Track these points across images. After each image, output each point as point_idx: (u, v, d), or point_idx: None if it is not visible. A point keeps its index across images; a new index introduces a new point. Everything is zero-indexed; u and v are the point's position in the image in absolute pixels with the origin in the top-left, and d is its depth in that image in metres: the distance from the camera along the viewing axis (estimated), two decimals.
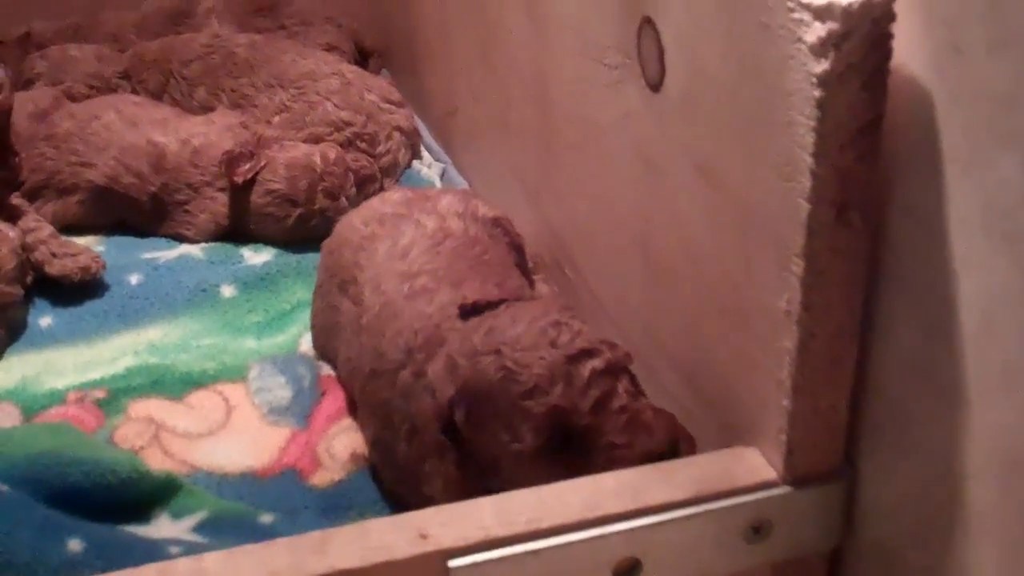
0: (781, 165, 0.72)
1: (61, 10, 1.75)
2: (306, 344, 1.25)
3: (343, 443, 1.09)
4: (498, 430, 0.86)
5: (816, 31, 0.67)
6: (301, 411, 1.15)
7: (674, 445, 0.84)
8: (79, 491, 0.98)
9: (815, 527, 0.81)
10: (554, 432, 0.84)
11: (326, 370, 1.19)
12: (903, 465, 0.76)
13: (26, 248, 1.29)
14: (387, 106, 1.56)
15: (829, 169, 0.70)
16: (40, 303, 1.32)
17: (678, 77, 0.86)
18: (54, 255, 1.30)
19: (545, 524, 0.76)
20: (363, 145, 1.52)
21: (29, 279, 1.29)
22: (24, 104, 1.50)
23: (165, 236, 1.46)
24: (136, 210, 1.46)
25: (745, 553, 0.80)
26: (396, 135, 1.54)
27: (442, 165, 1.57)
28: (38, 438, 1.02)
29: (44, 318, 1.30)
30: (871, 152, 0.70)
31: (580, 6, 1.02)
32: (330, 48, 1.73)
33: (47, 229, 1.32)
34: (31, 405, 1.16)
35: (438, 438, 0.90)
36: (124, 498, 0.99)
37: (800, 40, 0.68)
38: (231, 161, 1.40)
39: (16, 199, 1.38)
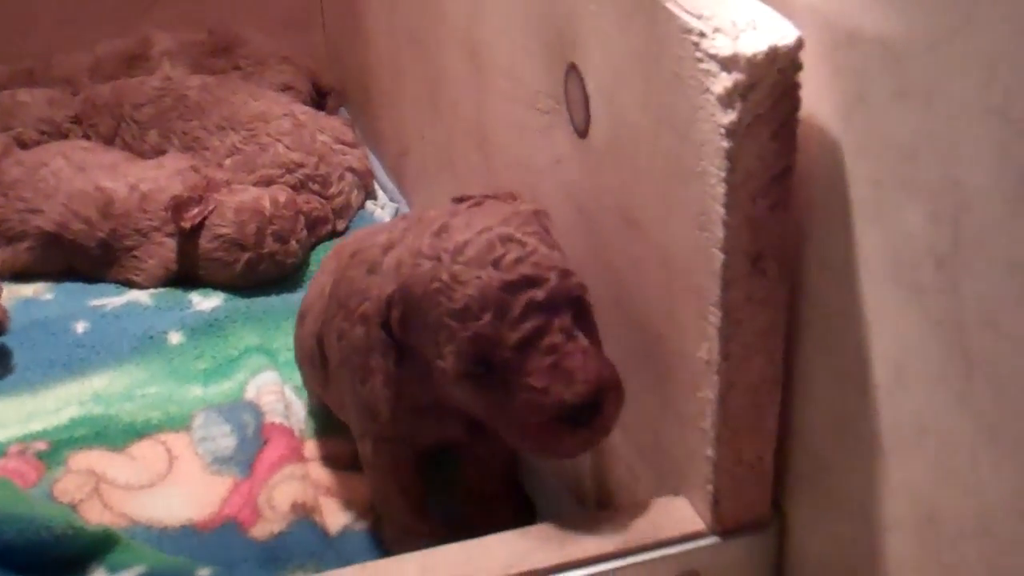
0: (696, 215, 0.72)
1: (15, 54, 1.75)
2: (252, 391, 1.24)
3: (284, 492, 1.08)
4: (426, 341, 0.83)
5: (722, 81, 0.66)
6: (245, 460, 1.14)
7: (596, 396, 0.78)
8: (13, 549, 0.97)
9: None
10: (476, 359, 0.80)
11: (270, 417, 1.18)
12: (827, 516, 0.75)
13: None
14: (339, 147, 1.56)
15: (741, 219, 0.69)
16: None
17: (602, 124, 0.85)
18: None
19: None
20: (315, 187, 1.51)
21: None
22: None
23: (115, 282, 1.45)
24: (85, 256, 1.45)
25: None
26: (348, 176, 1.54)
27: (395, 205, 1.57)
28: None
29: None
30: (783, 202, 0.70)
31: (513, 51, 1.02)
32: (286, 88, 1.73)
33: None
34: None
35: (378, 332, 0.87)
36: (60, 555, 0.98)
37: (708, 91, 0.68)
38: (178, 206, 1.40)
39: None
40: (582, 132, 0.89)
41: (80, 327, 1.34)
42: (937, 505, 0.63)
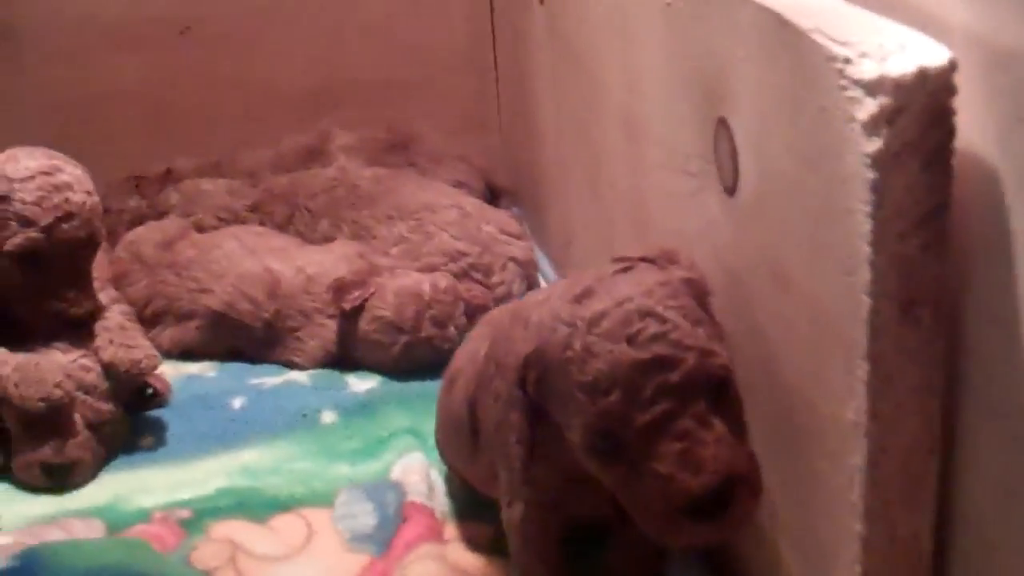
0: (843, 258, 0.66)
1: (203, 150, 1.82)
2: (398, 471, 1.21)
3: (417, 571, 1.04)
4: (558, 408, 0.80)
5: (867, 107, 0.61)
6: (383, 538, 1.11)
7: (726, 488, 0.73)
8: None
9: None
10: (604, 435, 0.76)
11: (412, 497, 1.15)
12: None
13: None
14: (504, 237, 1.55)
15: (889, 260, 0.63)
16: (142, 423, 1.32)
17: (750, 177, 0.81)
18: (111, 343, 1.28)
19: None
20: (478, 275, 1.50)
21: (127, 396, 1.30)
22: (152, 233, 1.55)
23: (277, 363, 1.46)
24: (250, 337, 1.47)
25: None
26: (511, 265, 1.53)
27: None
28: (105, 552, 1.00)
29: (145, 438, 1.30)
30: (937, 242, 0.63)
31: (666, 118, 0.99)
32: (459, 185, 1.75)
33: (117, 319, 1.31)
34: (116, 522, 1.15)
35: (516, 389, 0.83)
36: None
37: (853, 119, 0.63)
38: (340, 288, 1.41)
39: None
40: (731, 189, 0.85)
41: (237, 403, 1.35)
42: None
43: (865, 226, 0.63)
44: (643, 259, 0.84)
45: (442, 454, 1.16)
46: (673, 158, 0.97)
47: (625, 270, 0.83)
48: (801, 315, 0.74)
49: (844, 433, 0.69)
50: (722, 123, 0.84)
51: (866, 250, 0.63)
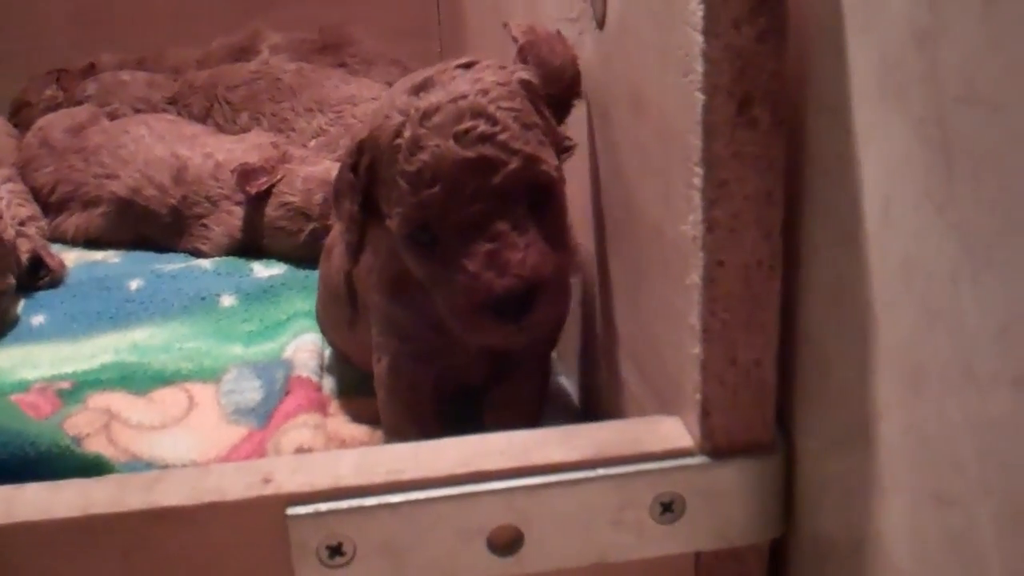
0: (682, 57, 0.62)
1: (131, 46, 1.78)
2: (290, 351, 1.17)
3: (292, 439, 1.00)
4: (382, 195, 0.80)
5: None
6: (265, 412, 1.08)
7: (528, 291, 0.75)
8: None
9: (741, 511, 0.68)
10: (421, 227, 0.77)
11: (298, 371, 1.11)
12: (828, 426, 0.63)
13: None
14: None
15: (723, 50, 0.59)
16: (35, 303, 1.29)
17: (615, 3, 0.77)
18: None
19: (407, 476, 0.66)
20: None
21: (19, 270, 1.26)
22: (62, 119, 1.51)
23: (183, 251, 1.42)
24: (156, 224, 1.43)
25: (655, 535, 0.67)
26: None
27: None
28: None
29: (36, 316, 1.27)
30: (774, 30, 0.59)
31: None
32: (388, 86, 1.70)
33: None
34: None
35: (348, 173, 0.83)
36: (43, 474, 0.92)
37: None
38: (246, 173, 1.37)
39: None
40: (600, 21, 0.80)
41: (135, 284, 1.32)
42: (921, 363, 0.50)
43: (697, 14, 0.59)
44: (515, 41, 0.84)
45: (323, 331, 1.13)
46: (562, 7, 0.93)
47: (468, 66, 0.81)
48: (653, 137, 0.71)
49: (684, 250, 0.65)
50: None
51: (699, 40, 0.59)
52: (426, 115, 0.76)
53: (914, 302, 0.51)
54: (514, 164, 0.76)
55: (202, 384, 1.13)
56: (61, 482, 0.68)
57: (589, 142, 0.88)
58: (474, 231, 0.75)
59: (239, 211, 1.39)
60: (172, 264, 1.38)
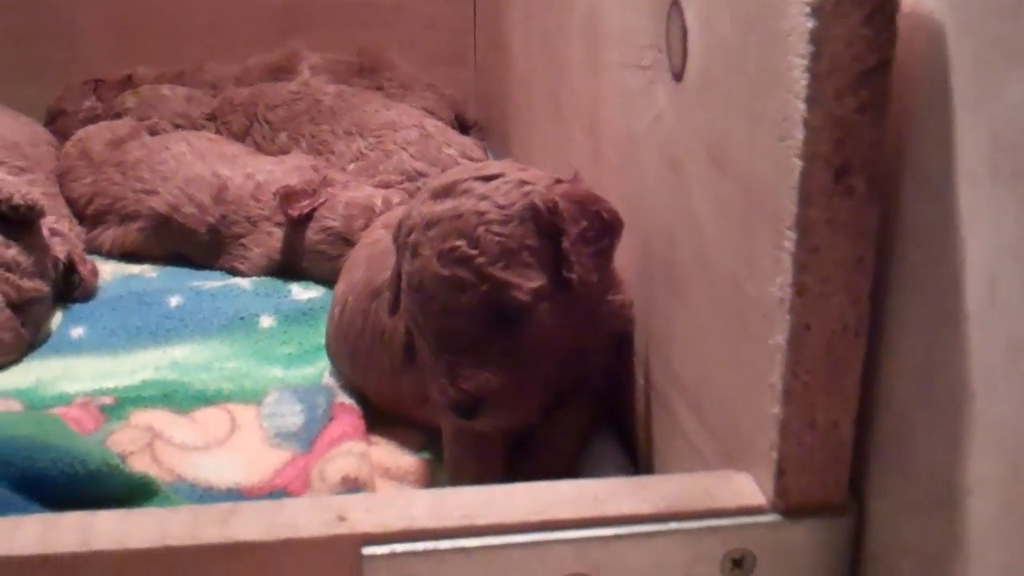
0: (778, 122, 0.63)
1: (168, 61, 1.78)
2: (329, 376, 1.18)
3: (337, 466, 1.00)
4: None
5: None
6: (308, 437, 1.08)
7: (475, 403, 0.85)
8: (45, 478, 0.92)
9: (811, 571, 0.68)
10: (408, 325, 0.94)
11: (341, 397, 1.12)
12: (908, 491, 0.63)
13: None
14: (465, 161, 1.51)
15: (824, 119, 0.60)
16: (74, 315, 1.29)
17: (696, 56, 0.77)
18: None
19: (481, 521, 0.66)
20: None
21: (55, 275, 1.26)
22: (102, 131, 1.51)
23: (220, 270, 1.42)
24: (194, 242, 1.43)
25: None
26: None
27: None
28: (18, 424, 0.96)
29: (76, 329, 1.27)
30: (875, 103, 0.60)
31: (624, 13, 0.95)
32: (427, 113, 1.71)
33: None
34: (35, 404, 1.12)
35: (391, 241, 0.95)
36: (92, 492, 0.93)
37: None
38: (288, 195, 1.37)
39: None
40: (678, 74, 0.81)
41: (174, 301, 1.32)
42: None
43: (801, 82, 0.60)
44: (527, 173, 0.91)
45: (339, 364, 1.15)
46: (628, 53, 0.94)
47: (489, 178, 0.88)
48: (736, 195, 0.71)
49: (769, 312, 0.66)
50: (675, 4, 0.81)
51: (800, 108, 0.60)
52: (428, 225, 0.86)
53: (1019, 384, 0.51)
54: (483, 288, 0.84)
55: (243, 406, 1.13)
56: (135, 511, 0.68)
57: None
58: (444, 340, 0.86)
59: (279, 232, 1.39)
60: (210, 282, 1.38)
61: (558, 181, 0.90)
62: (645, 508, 0.67)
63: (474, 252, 0.84)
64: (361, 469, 1.00)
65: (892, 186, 0.63)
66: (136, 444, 1.05)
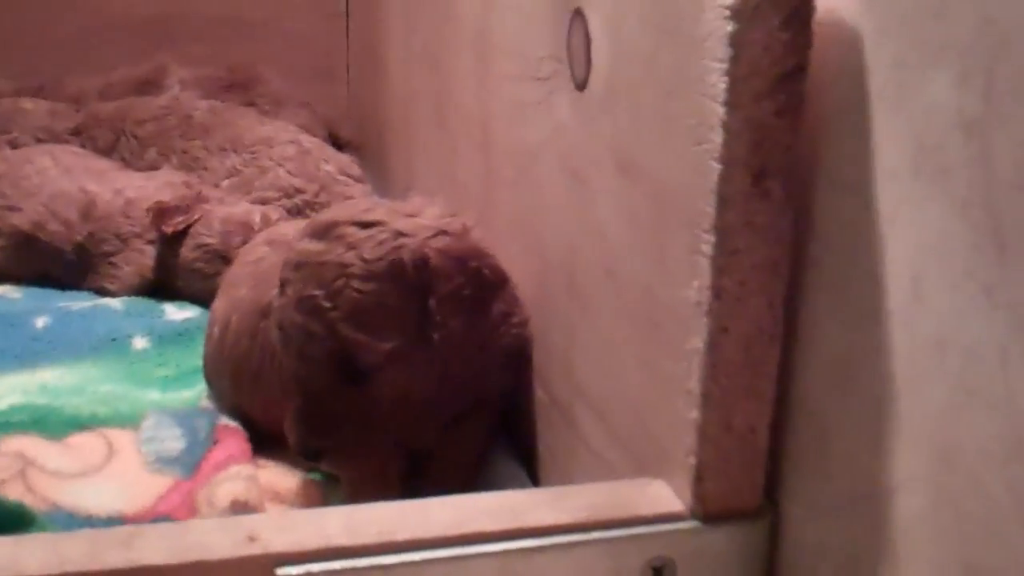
0: (694, 127, 0.63)
1: (28, 72, 1.71)
2: (206, 399, 1.13)
3: (225, 490, 0.96)
4: None
5: None
6: (190, 461, 1.03)
7: (311, 451, 0.88)
8: None
9: (729, 574, 0.68)
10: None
11: (224, 420, 1.08)
12: (827, 493, 0.64)
13: None
14: (344, 178, 1.49)
15: (743, 123, 0.61)
16: None
17: (602, 64, 0.77)
18: None
19: (400, 537, 0.64)
20: (313, 215, 1.43)
21: None
22: None
23: (87, 290, 1.36)
24: (60, 261, 1.37)
25: None
26: None
27: None
28: None
29: None
30: (792, 107, 0.61)
31: (519, 24, 0.95)
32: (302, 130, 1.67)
33: None
34: None
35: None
36: None
37: None
38: (162, 211, 1.32)
39: None
40: (581, 84, 0.81)
41: (41, 322, 1.25)
42: (956, 438, 0.52)
43: (719, 86, 0.60)
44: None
45: (221, 388, 1.11)
46: (525, 65, 0.93)
47: (367, 225, 0.87)
48: (646, 201, 0.71)
49: (684, 316, 0.66)
50: (578, 14, 0.81)
51: (719, 112, 0.60)
52: (297, 265, 0.86)
53: (947, 380, 0.52)
54: (329, 344, 0.84)
55: (120, 430, 1.08)
56: (25, 536, 0.64)
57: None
58: (296, 383, 0.86)
59: (151, 250, 1.34)
60: (79, 303, 1.32)
61: (441, 232, 0.88)
62: (565, 518, 0.66)
63: (328, 305, 0.84)
64: (250, 492, 0.97)
65: (806, 189, 0.63)
66: (7, 472, 0.99)
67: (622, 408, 0.77)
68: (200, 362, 1.21)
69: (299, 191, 1.45)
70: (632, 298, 0.74)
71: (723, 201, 0.62)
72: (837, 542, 0.63)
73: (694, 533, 0.67)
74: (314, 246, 0.87)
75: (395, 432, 0.90)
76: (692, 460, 0.67)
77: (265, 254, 1.09)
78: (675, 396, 0.68)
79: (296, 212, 1.43)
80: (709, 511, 0.67)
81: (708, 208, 0.62)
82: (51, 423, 1.08)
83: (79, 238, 1.36)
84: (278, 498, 0.99)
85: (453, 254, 0.87)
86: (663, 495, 0.69)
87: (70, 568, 0.60)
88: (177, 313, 1.31)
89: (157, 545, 0.62)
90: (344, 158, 1.54)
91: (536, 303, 0.95)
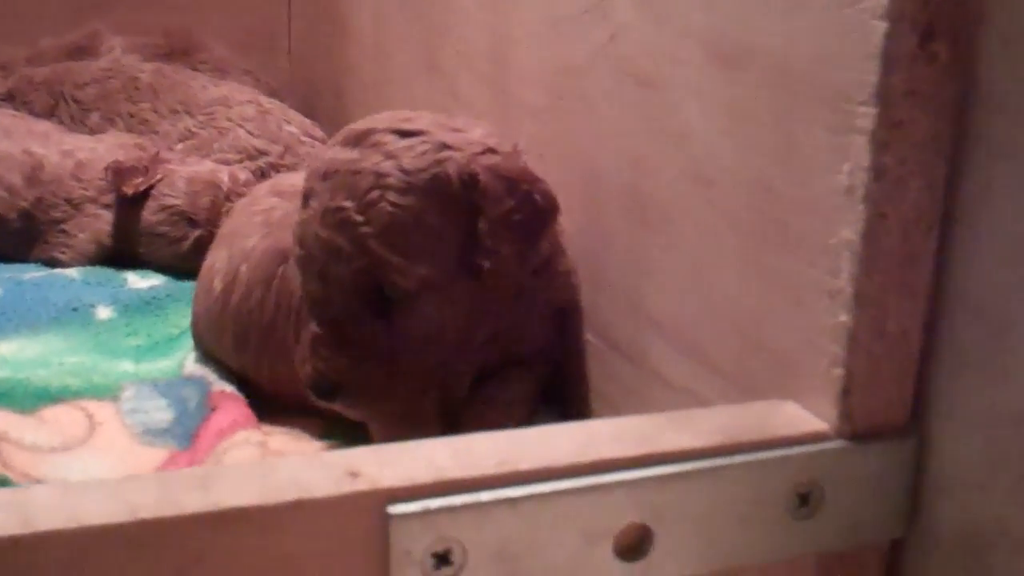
0: None
1: None
2: (192, 368, 1.02)
3: (235, 458, 0.86)
4: None
5: None
6: (184, 432, 0.92)
7: (328, 386, 0.78)
8: None
9: (876, 504, 0.60)
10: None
11: (219, 385, 0.96)
12: (1001, 403, 0.56)
13: None
14: (308, 140, 1.38)
15: None
16: None
17: None
18: None
19: (524, 466, 0.54)
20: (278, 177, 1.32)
21: None
22: None
23: (35, 262, 1.23)
24: (2, 231, 1.23)
25: (788, 533, 0.59)
26: None
27: None
28: None
29: None
30: None
31: None
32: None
33: None
34: None
35: None
36: None
37: None
38: (120, 171, 1.20)
39: None
40: None
41: None
42: None
43: None
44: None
45: (223, 351, 0.99)
46: None
47: (407, 133, 0.77)
48: (759, 91, 0.63)
49: (828, 207, 0.58)
50: None
51: None
52: (325, 174, 0.76)
53: None
54: (360, 263, 0.74)
55: (98, 402, 0.96)
56: (81, 483, 0.52)
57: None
58: (314, 307, 0.77)
59: (107, 215, 1.21)
60: (30, 273, 1.19)
61: (490, 151, 0.78)
62: (700, 442, 0.57)
63: (359, 219, 0.74)
64: (262, 458, 0.86)
65: (972, 53, 0.56)
66: None
67: (722, 331, 0.69)
68: (173, 330, 1.10)
69: (262, 152, 1.33)
70: (738, 202, 0.66)
71: (888, 64, 0.54)
72: (1017, 453, 0.55)
73: (841, 454, 0.59)
74: (346, 154, 0.76)
75: (420, 377, 0.80)
76: (838, 371, 0.59)
77: (275, 204, 0.97)
78: (813, 301, 0.60)
79: (261, 175, 1.31)
80: (857, 429, 0.59)
81: (867, 76, 0.55)
82: (18, 396, 0.95)
83: (24, 204, 1.22)
84: None
85: (504, 173, 0.77)
86: (798, 415, 0.61)
87: (145, 515, 0.49)
88: (141, 281, 1.18)
89: (241, 486, 0.51)
90: (305, 120, 1.43)
91: (583, 242, 0.86)
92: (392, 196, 0.74)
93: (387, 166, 0.75)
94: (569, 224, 0.86)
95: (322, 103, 1.61)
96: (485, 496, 0.53)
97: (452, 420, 0.85)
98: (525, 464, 0.54)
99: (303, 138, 1.37)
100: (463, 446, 0.56)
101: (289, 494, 0.51)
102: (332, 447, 0.90)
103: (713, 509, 0.57)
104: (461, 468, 0.54)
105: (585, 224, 0.85)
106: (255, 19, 1.75)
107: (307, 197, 0.78)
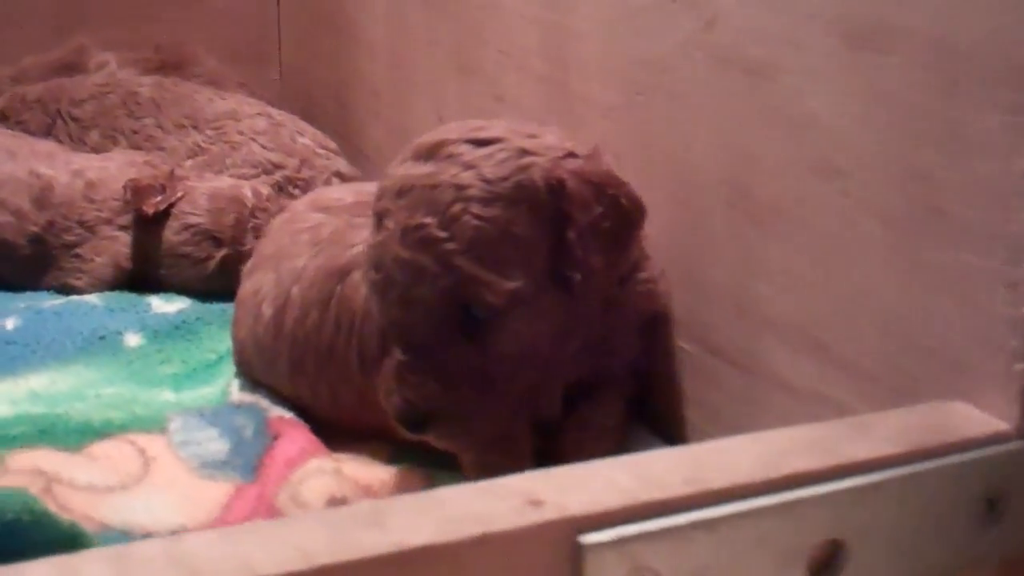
0: None
1: None
2: (238, 394, 0.96)
3: (314, 489, 0.80)
4: None
5: None
6: (245, 463, 0.86)
7: (414, 419, 0.72)
8: None
9: None
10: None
11: (276, 411, 0.91)
12: None
13: None
14: (323, 152, 1.32)
15: None
16: None
17: None
18: None
19: (715, 485, 0.50)
20: (297, 192, 1.26)
21: None
22: None
23: (47, 290, 1.16)
24: (13, 258, 1.16)
25: (977, 539, 0.55)
26: (336, 182, 1.29)
27: None
28: None
29: None
30: None
31: None
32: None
33: None
34: None
35: None
36: (10, 546, 0.68)
37: None
38: (139, 189, 1.13)
39: None
40: None
41: (10, 323, 1.05)
42: None
43: None
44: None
45: (286, 395, 0.93)
46: None
47: (483, 143, 0.72)
48: (912, 67, 0.59)
49: (1005, 192, 0.54)
50: None
51: None
52: (400, 192, 0.71)
53: None
54: (447, 281, 0.70)
55: (146, 435, 0.90)
56: (236, 528, 0.47)
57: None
58: (397, 334, 0.72)
59: (124, 237, 1.15)
60: (48, 301, 1.12)
61: (571, 155, 0.74)
62: (889, 449, 0.53)
63: (443, 235, 0.69)
64: (343, 487, 0.81)
65: None
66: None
67: (858, 328, 0.65)
68: (210, 355, 1.04)
69: (278, 166, 1.27)
70: (880, 191, 0.62)
71: None
72: None
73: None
74: (420, 168, 0.71)
75: (514, 399, 0.75)
76: (1020, 367, 0.55)
77: (321, 220, 0.92)
78: (985, 293, 0.56)
79: (279, 190, 1.25)
80: None
81: None
82: (60, 433, 0.89)
83: (34, 229, 1.15)
84: (370, 492, 0.83)
85: (590, 178, 0.73)
86: (975, 415, 0.57)
87: (322, 561, 0.44)
88: (166, 305, 1.12)
89: (417, 521, 0.46)
90: (317, 131, 1.37)
91: (674, 243, 0.82)
92: (476, 208, 0.70)
93: (467, 177, 0.70)
94: (655, 227, 0.81)
95: (321, 114, 1.55)
96: (681, 519, 0.48)
97: (545, 444, 0.80)
98: (716, 483, 0.50)
99: (318, 150, 1.31)
100: (636, 466, 0.51)
101: (471, 528, 0.46)
102: (406, 471, 0.85)
103: (906, 519, 0.53)
104: (646, 490, 0.49)
105: (676, 225, 0.81)
106: (242, 30, 1.69)
107: (381, 217, 0.73)
